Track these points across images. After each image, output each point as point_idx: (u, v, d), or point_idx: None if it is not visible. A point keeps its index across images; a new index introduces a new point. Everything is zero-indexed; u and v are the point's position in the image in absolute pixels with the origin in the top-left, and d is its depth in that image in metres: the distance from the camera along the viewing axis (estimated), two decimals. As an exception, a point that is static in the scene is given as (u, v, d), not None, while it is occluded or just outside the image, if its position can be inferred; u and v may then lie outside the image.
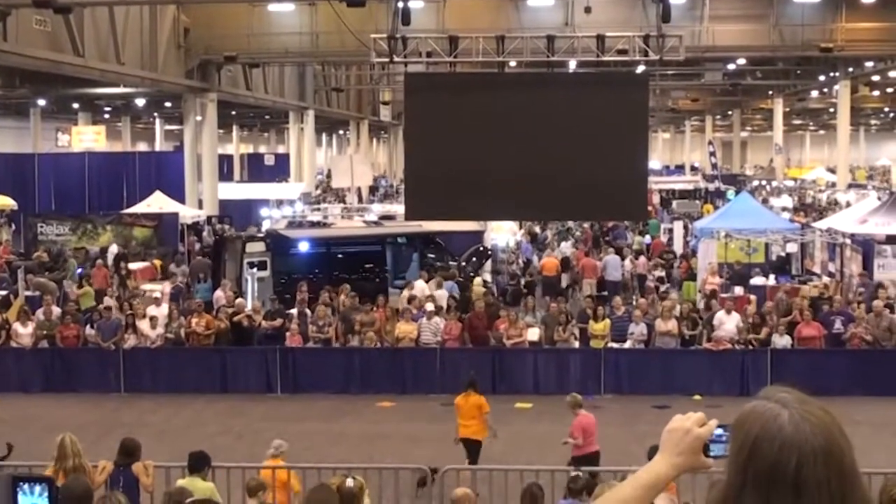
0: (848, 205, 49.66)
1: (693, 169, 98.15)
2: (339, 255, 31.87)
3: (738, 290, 28.54)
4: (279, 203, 52.70)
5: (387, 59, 29.54)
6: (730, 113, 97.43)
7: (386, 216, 41.06)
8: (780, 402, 2.53)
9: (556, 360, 24.72)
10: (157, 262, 36.59)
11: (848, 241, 30.81)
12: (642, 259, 36.01)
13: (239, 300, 26.65)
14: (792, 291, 27.24)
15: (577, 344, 25.02)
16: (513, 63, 34.71)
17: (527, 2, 41.49)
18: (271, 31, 44.46)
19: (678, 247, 39.26)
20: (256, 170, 79.41)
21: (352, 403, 23.29)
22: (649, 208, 43.93)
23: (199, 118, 48.45)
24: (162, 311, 25.87)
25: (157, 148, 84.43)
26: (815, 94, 76.04)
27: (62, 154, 58.30)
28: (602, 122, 26.55)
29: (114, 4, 36.63)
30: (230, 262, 30.58)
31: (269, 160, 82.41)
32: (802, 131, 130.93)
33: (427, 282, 29.35)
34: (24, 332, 25.07)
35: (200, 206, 47.54)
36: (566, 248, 40.32)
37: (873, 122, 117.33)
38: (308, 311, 25.81)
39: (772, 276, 30.67)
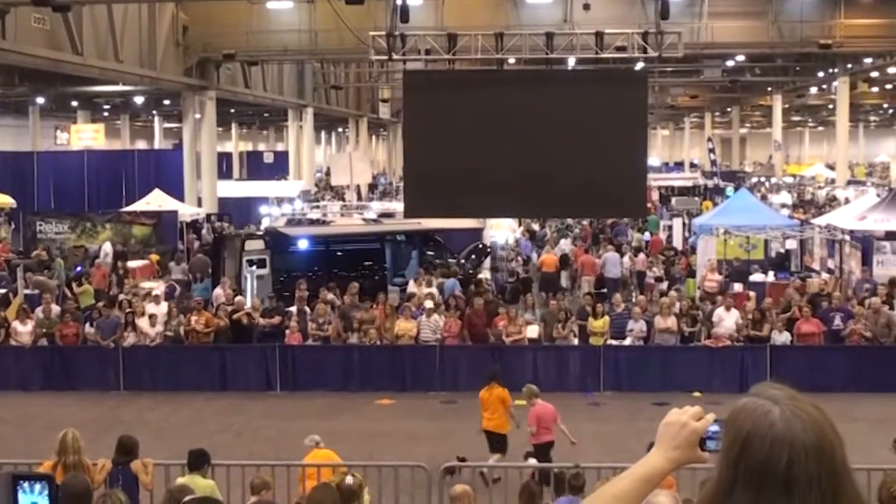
0: (846, 201, 49.71)
1: (692, 166, 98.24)
2: (339, 253, 31.88)
3: (738, 287, 28.54)
4: (279, 201, 52.68)
5: (385, 57, 29.53)
6: (729, 110, 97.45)
7: (385, 214, 41.07)
8: (772, 399, 2.53)
9: (556, 357, 24.72)
10: (155, 258, 36.57)
11: (847, 237, 30.82)
12: (641, 256, 36.01)
13: (238, 298, 26.65)
14: (801, 288, 27.31)
15: (576, 341, 25.02)
16: (512, 60, 34.69)
17: (525, -1, 41.53)
18: (270, 28, 44.46)
19: (678, 244, 39.29)
20: (255, 168, 79.43)
21: (351, 401, 23.30)
22: (648, 205, 43.94)
23: (198, 116, 48.44)
24: (161, 309, 25.86)
25: (156, 146, 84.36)
26: (814, 90, 76.06)
27: (61, 152, 58.29)
28: (601, 120, 26.53)
29: (112, 2, 36.64)
30: (229, 260, 30.59)
31: (268, 158, 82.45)
32: (801, 128, 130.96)
33: (425, 280, 29.32)
34: (23, 331, 25.08)
35: (199, 204, 47.55)
36: (565, 245, 40.33)
37: (872, 118, 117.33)
38: (307, 309, 25.81)
39: (771, 273, 30.67)
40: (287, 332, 25.04)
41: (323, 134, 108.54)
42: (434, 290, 28.28)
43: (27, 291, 29.62)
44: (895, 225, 30.02)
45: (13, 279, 31.19)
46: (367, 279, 29.43)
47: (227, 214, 48.75)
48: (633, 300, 28.57)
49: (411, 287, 28.66)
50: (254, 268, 29.04)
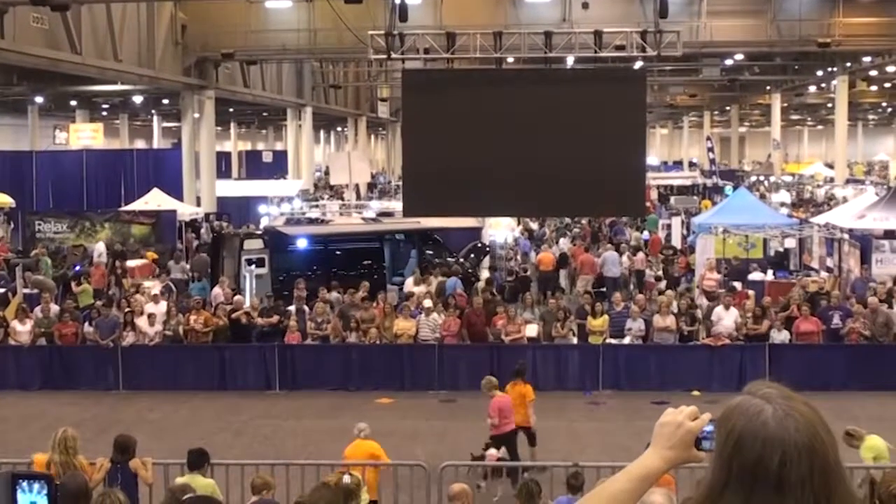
0: (845, 200, 49.71)
1: (691, 165, 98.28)
2: (338, 252, 31.89)
3: (737, 286, 28.54)
4: (277, 200, 52.68)
5: (384, 56, 29.53)
6: (728, 108, 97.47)
7: (384, 213, 41.08)
8: (765, 398, 2.54)
9: (555, 356, 24.71)
10: (151, 256, 36.57)
11: (846, 236, 30.83)
12: (640, 255, 36.01)
13: (237, 297, 26.65)
14: (806, 285, 27.41)
15: (575, 340, 25.03)
16: (510, 59, 34.70)
17: (524, -2, 41.54)
18: (269, 27, 44.48)
19: (676, 243, 39.29)
20: (254, 167, 79.44)
21: (350, 400, 23.29)
22: (647, 204, 43.95)
23: (196, 115, 48.45)
24: (160, 308, 25.86)
25: (155, 145, 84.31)
26: (812, 89, 76.06)
27: (60, 151, 58.24)
28: (600, 118, 26.54)
29: (111, 2, 36.64)
30: (228, 260, 30.60)
31: (267, 157, 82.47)
32: (800, 126, 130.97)
33: (422, 279, 29.34)
34: (22, 330, 25.07)
35: (198, 204, 47.55)
36: (564, 244, 40.35)
37: (871, 117, 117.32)
38: (306, 308, 25.81)
39: (770, 272, 30.68)
40: (286, 331, 25.04)
41: (322, 133, 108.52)
42: (432, 288, 28.28)
43: (26, 291, 29.62)
44: (894, 223, 30.02)
45: (12, 278, 31.18)
46: (366, 278, 29.42)
47: (226, 214, 48.77)
48: (633, 299, 28.57)
49: (409, 286, 28.66)
50: (253, 267, 29.03)
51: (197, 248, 38.89)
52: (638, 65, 33.95)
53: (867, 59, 54.49)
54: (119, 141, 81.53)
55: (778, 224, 33.97)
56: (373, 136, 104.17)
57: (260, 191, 55.83)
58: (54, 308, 26.30)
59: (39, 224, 40.35)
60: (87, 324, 25.57)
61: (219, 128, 67.68)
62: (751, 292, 27.61)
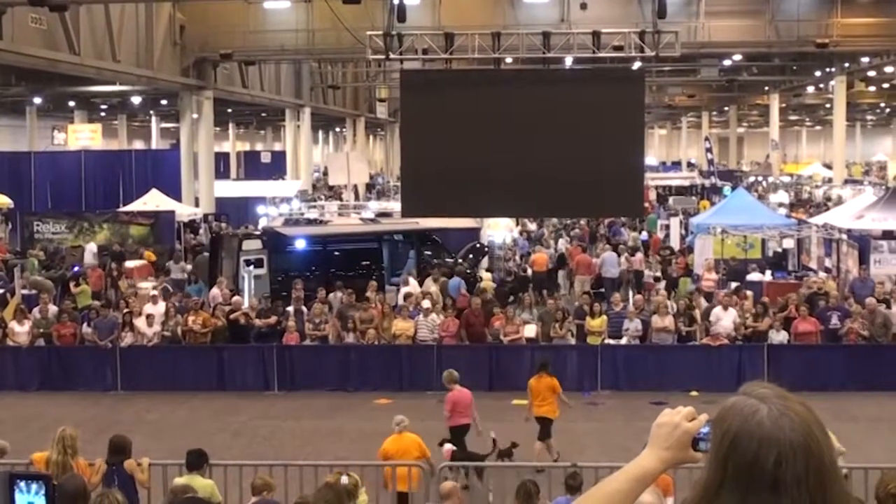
0: (840, 199, 49.72)
1: (689, 165, 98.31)
2: (336, 253, 31.89)
3: (735, 286, 28.54)
4: (276, 201, 52.67)
5: (383, 56, 29.54)
6: (726, 109, 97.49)
7: (383, 213, 41.08)
8: (760, 398, 2.54)
9: (553, 356, 24.66)
10: (150, 256, 36.56)
11: (844, 236, 30.84)
12: (639, 255, 36.00)
13: (236, 298, 26.64)
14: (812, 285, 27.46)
15: (573, 340, 25.02)
16: (509, 60, 34.70)
17: (522, -2, 41.54)
18: (267, 28, 44.48)
19: (675, 243, 39.28)
20: (253, 167, 79.44)
21: (349, 401, 23.30)
22: (646, 205, 43.96)
23: (195, 116, 48.44)
24: (159, 309, 25.85)
25: (154, 146, 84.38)
26: (811, 89, 76.07)
27: (58, 152, 58.22)
28: (598, 119, 26.55)
29: (110, 2, 36.63)
30: (227, 260, 30.59)
31: (266, 158, 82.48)
32: (798, 127, 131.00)
33: (421, 279, 29.36)
34: (20, 331, 25.06)
35: (197, 204, 47.55)
36: (562, 244, 40.33)
37: (869, 117, 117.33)
38: (304, 309, 25.80)
39: (768, 272, 30.69)
40: (285, 332, 25.03)
41: (320, 134, 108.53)
42: (436, 288, 28.28)
43: (24, 291, 29.62)
44: (892, 224, 30.03)
45: (10, 279, 31.18)
46: (364, 279, 29.41)
47: (225, 214, 48.78)
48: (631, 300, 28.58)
49: (407, 286, 28.60)
50: (251, 268, 29.03)
51: (193, 249, 38.85)
52: (636, 65, 33.97)
53: (865, 59, 54.49)
54: (117, 141, 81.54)
55: (776, 224, 33.99)
56: (371, 137, 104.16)
57: (258, 191, 55.84)
58: (52, 309, 26.28)
59: (38, 225, 40.37)
60: (85, 324, 25.56)
61: (217, 128, 67.65)
62: (749, 293, 27.60)
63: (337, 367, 24.63)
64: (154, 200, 42.74)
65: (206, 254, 35.06)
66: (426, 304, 25.91)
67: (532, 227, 45.93)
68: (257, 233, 33.97)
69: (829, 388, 22.15)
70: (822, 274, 30.50)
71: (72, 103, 65.64)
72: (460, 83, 29.01)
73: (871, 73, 61.57)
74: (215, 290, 27.94)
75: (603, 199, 27.62)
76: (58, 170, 49.77)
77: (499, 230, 40.72)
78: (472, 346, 24.93)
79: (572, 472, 12.72)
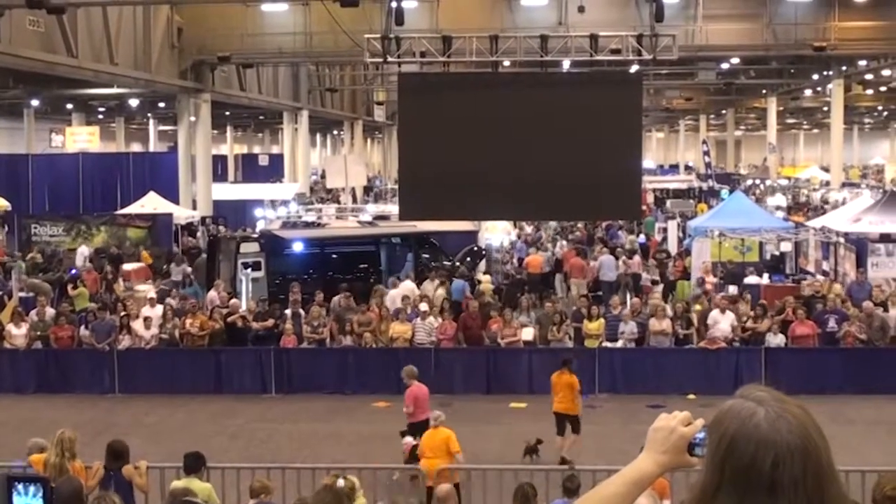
0: (835, 203, 49.74)
1: (687, 168, 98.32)
2: (334, 256, 31.89)
3: (732, 289, 28.55)
4: (274, 204, 52.64)
5: (380, 59, 29.58)
6: (724, 112, 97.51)
7: (380, 216, 41.08)
8: (757, 401, 2.55)
9: (551, 359, 24.63)
10: (146, 256, 36.54)
11: (842, 239, 30.85)
12: (636, 258, 36.00)
13: (233, 301, 26.64)
14: (819, 288, 27.49)
15: (571, 343, 25.03)
16: (506, 63, 34.75)
17: (520, 1, 41.51)
18: (265, 31, 44.45)
19: (672, 246, 39.27)
20: (250, 170, 79.41)
21: (346, 404, 23.29)
22: (643, 207, 43.96)
23: (192, 118, 48.42)
24: (156, 311, 25.85)
25: (151, 148, 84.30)
26: (808, 92, 76.12)
27: (56, 155, 58.25)
28: (596, 122, 26.57)
29: (107, 5, 36.61)
30: (224, 263, 30.59)
31: (264, 161, 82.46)
32: (796, 130, 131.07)
33: (419, 282, 29.36)
34: (17, 333, 25.05)
35: (194, 207, 47.52)
36: (561, 247, 40.30)
37: (867, 120, 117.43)
38: (302, 312, 25.80)
39: (766, 275, 30.70)
40: (282, 334, 25.03)
41: (318, 136, 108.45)
42: (443, 291, 28.30)
43: (22, 294, 29.60)
44: (890, 227, 30.05)
45: (7, 281, 31.15)
46: (362, 282, 29.42)
47: (223, 217, 48.75)
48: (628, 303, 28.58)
49: (403, 290, 28.55)
50: (249, 270, 29.02)
51: (188, 251, 38.83)
52: (634, 68, 33.97)
53: (863, 62, 54.51)
54: (115, 144, 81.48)
55: (774, 227, 34.00)
56: (369, 140, 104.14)
57: (256, 194, 55.83)
58: (50, 311, 26.27)
59: (35, 227, 40.38)
60: (83, 327, 25.55)
61: (215, 131, 67.66)
62: (747, 296, 27.61)
63: (335, 370, 24.63)
64: (152, 203, 42.75)
65: (204, 256, 35.10)
66: (423, 307, 25.91)
67: (528, 229, 45.89)
68: (255, 236, 33.96)
69: (826, 391, 22.17)
70: (819, 277, 30.50)
71: (69, 106, 65.60)
72: (458, 86, 29.02)
73: (869, 77, 61.60)
74: (213, 293, 27.95)
75: (600, 203, 27.63)
76: (55, 172, 49.79)
77: (496, 233, 40.73)
78: (470, 349, 24.93)
79: (569, 475, 12.74)
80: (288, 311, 25.91)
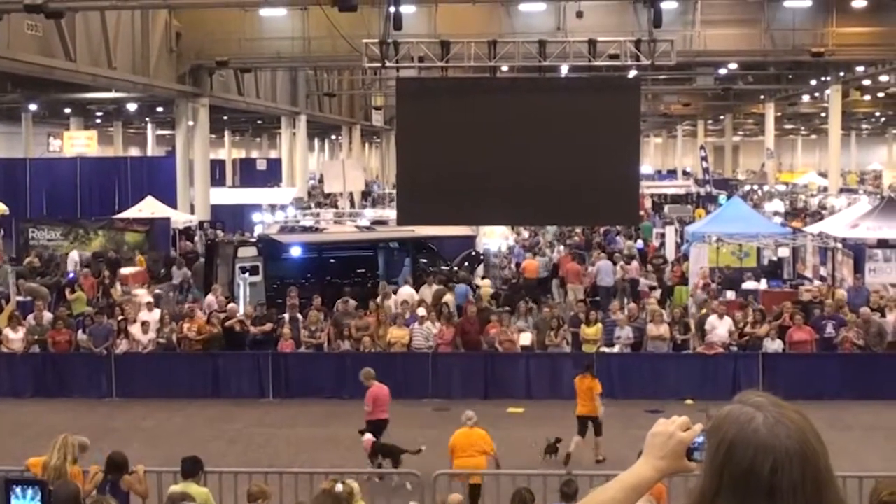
0: (833, 208, 49.75)
1: (685, 173, 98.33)
2: (332, 260, 31.88)
3: (730, 295, 28.57)
4: (272, 208, 52.64)
5: (379, 64, 29.58)
6: (721, 117, 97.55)
7: (378, 221, 41.10)
8: (756, 406, 2.56)
9: (549, 364, 24.72)
10: (141, 260, 36.53)
11: (839, 245, 30.87)
12: (634, 264, 36.00)
13: (231, 305, 26.64)
14: (826, 293, 27.54)
15: (568, 348, 25.03)
16: (505, 68, 34.69)
17: (518, 7, 41.51)
18: (263, 35, 44.45)
19: (670, 251, 39.26)
20: (248, 175, 79.46)
21: (344, 408, 23.22)
22: (641, 213, 43.96)
23: (190, 123, 48.43)
24: (154, 316, 25.85)
25: (149, 153, 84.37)
26: (806, 98, 76.15)
27: (54, 159, 58.31)
28: (594, 127, 26.57)
29: (105, 9, 36.60)
30: (222, 267, 30.59)
31: (261, 165, 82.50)
32: (794, 136, 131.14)
33: (416, 287, 29.39)
34: (14, 338, 25.03)
35: (192, 211, 47.52)
36: (559, 252, 40.30)
37: (864, 126, 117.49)
38: (300, 316, 25.80)
39: (763, 281, 30.71)
40: (280, 339, 25.02)
41: (316, 141, 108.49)
42: (451, 297, 28.39)
43: (19, 298, 29.58)
44: (887, 233, 30.09)
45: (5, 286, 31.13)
46: (359, 286, 29.43)
47: (220, 221, 48.77)
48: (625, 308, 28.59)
49: (407, 293, 28.56)
50: (246, 275, 29.02)
51: (185, 255, 38.81)
52: (632, 74, 34.04)
53: (860, 68, 54.58)
54: (113, 148, 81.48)
55: (771, 233, 34.01)
56: (367, 145, 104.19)
57: (254, 199, 55.83)
58: (47, 315, 26.26)
59: (33, 231, 40.36)
60: (80, 331, 25.54)
61: (213, 135, 67.73)
62: (753, 302, 27.62)
63: (332, 375, 24.62)
64: (150, 207, 42.76)
65: (202, 260, 35.11)
66: (421, 311, 25.92)
67: (525, 234, 45.84)
68: (253, 240, 33.95)
69: (824, 396, 22.18)
70: (817, 282, 30.52)
71: (67, 110, 65.62)
72: (456, 91, 29.03)
73: (867, 83, 61.68)
74: (210, 298, 27.95)
75: (598, 208, 27.64)
76: (53, 176, 49.82)
77: (494, 238, 40.74)
78: (468, 353, 24.94)
79: (567, 480, 12.73)
80: (286, 316, 25.91)
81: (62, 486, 10.31)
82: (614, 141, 26.68)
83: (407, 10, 33.47)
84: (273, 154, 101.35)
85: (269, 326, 25.38)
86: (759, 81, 68.86)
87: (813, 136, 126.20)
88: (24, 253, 38.63)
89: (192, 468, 12.65)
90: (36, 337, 25.29)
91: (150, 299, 27.87)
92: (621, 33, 32.39)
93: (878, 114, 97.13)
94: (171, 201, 44.88)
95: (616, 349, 24.52)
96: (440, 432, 21.14)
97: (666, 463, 2.79)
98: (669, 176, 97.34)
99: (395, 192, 43.89)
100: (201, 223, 46.45)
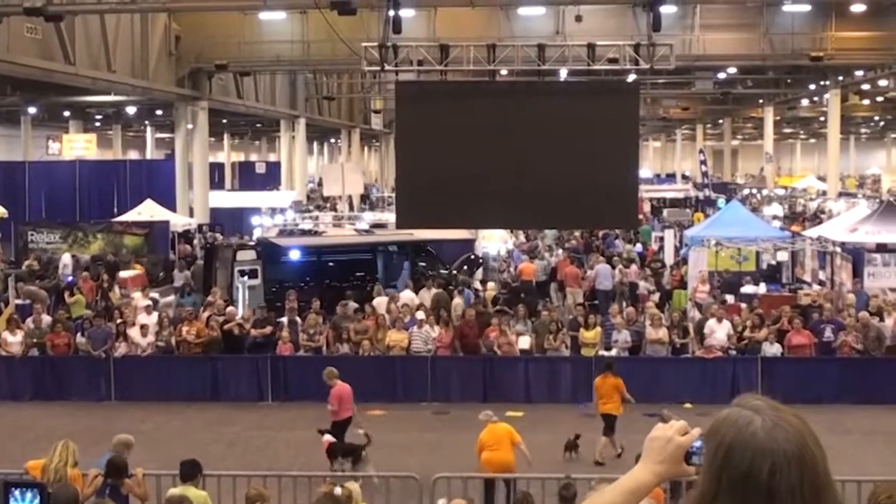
0: (831, 213, 49.74)
1: (684, 177, 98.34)
2: (331, 264, 31.89)
3: (729, 299, 28.56)
4: (271, 211, 52.63)
5: (378, 68, 29.54)
6: (720, 121, 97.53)
7: (377, 224, 41.10)
8: (754, 409, 2.57)
9: (547, 368, 24.73)
10: (137, 268, 36.51)
11: (838, 249, 30.88)
12: (633, 267, 36.01)
13: (230, 308, 26.64)
14: (826, 296, 27.52)
15: (567, 352, 25.03)
16: (504, 72, 34.71)
17: (518, 11, 41.53)
18: (262, 39, 44.47)
19: (669, 255, 39.25)
20: (247, 178, 79.40)
21: (343, 411, 23.23)
22: (640, 216, 43.95)
23: (190, 126, 48.43)
24: (153, 319, 25.85)
25: (148, 156, 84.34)
26: (805, 102, 76.13)
27: (53, 162, 58.26)
28: (593, 131, 26.56)
29: (105, 13, 36.61)
30: (221, 271, 30.58)
31: (261, 168, 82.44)
32: (793, 140, 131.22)
33: (416, 290, 29.42)
34: (13, 341, 25.02)
35: (191, 215, 47.53)
36: (554, 257, 40.28)
37: (863, 130, 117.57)
38: (298, 319, 25.80)
39: (762, 285, 30.71)
40: (279, 342, 25.02)
41: (315, 144, 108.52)
42: (460, 300, 28.48)
43: (18, 301, 29.56)
44: (886, 237, 30.09)
45: (4, 289, 31.12)
46: (358, 290, 29.44)
47: (219, 225, 48.75)
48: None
49: (407, 296, 28.56)
50: (245, 278, 29.01)
51: (185, 259, 38.80)
52: (631, 78, 33.97)
53: (859, 72, 54.59)
54: (112, 151, 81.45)
55: (770, 237, 34.02)
56: (366, 148, 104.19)
57: (253, 202, 55.84)
58: (46, 319, 26.26)
59: (32, 234, 40.35)
60: (79, 334, 25.54)
61: (212, 139, 67.66)
62: (743, 305, 27.63)
63: (331, 378, 24.58)
64: (148, 210, 42.74)
65: (202, 263, 35.11)
66: (420, 315, 25.92)
67: (522, 237, 45.80)
68: (252, 243, 33.95)
69: (822, 400, 22.18)
70: (816, 287, 30.53)
71: (66, 113, 65.58)
72: (455, 95, 29.03)
73: (866, 87, 61.66)
74: (210, 300, 27.95)
75: (597, 211, 27.62)
76: (52, 179, 49.82)
77: (493, 241, 40.74)
78: (466, 357, 24.94)
79: (566, 484, 12.73)
80: (284, 319, 25.91)
81: (61, 488, 10.33)
82: (613, 144, 26.67)
83: (406, 13, 33.48)
84: (272, 157, 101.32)
85: (269, 329, 25.38)
86: (758, 85, 68.88)
87: (812, 141, 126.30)
88: (23, 256, 38.61)
89: (190, 471, 12.66)
90: (35, 340, 25.28)
91: (149, 302, 27.87)
92: (620, 37, 32.37)
93: (876, 118, 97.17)
94: (170, 204, 44.86)
95: (613, 352, 24.51)
96: (439, 436, 21.22)
97: (664, 467, 2.80)
98: (668, 180, 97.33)
99: (393, 195, 43.89)
100: (200, 226, 46.44)
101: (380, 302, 27.66)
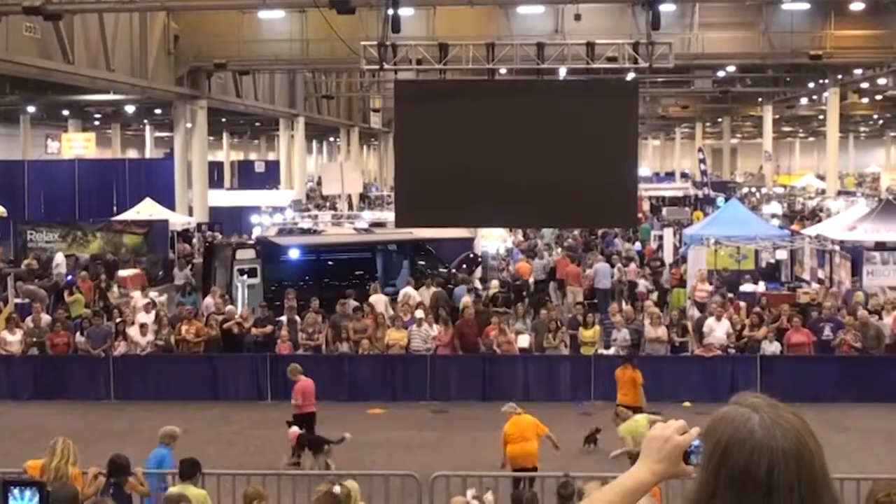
0: (829, 211, 49.76)
1: (683, 176, 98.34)
2: (330, 263, 31.89)
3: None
4: (270, 210, 52.63)
5: (377, 67, 29.54)
6: (720, 120, 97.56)
7: (376, 223, 41.10)
8: (752, 407, 2.57)
9: (547, 366, 24.73)
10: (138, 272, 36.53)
11: (837, 247, 30.90)
12: (632, 266, 36.01)
13: (229, 307, 26.64)
14: (829, 293, 27.55)
15: (566, 351, 25.03)
16: (503, 70, 34.70)
17: (517, 9, 41.53)
18: (261, 38, 44.47)
19: (668, 254, 39.26)
20: (246, 177, 79.44)
21: (342, 410, 23.23)
22: (639, 215, 43.94)
23: (189, 125, 48.43)
24: (152, 318, 25.84)
25: (147, 155, 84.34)
26: (804, 101, 76.15)
27: (52, 161, 58.23)
28: (592, 130, 26.56)
29: (104, 11, 36.61)
30: (220, 270, 30.58)
31: (260, 167, 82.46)
32: (792, 138, 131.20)
33: (416, 288, 29.43)
34: (12, 340, 25.01)
35: (190, 214, 47.53)
36: (553, 256, 40.28)
37: (862, 129, 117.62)
38: (297, 318, 25.79)
39: (761, 283, 30.72)
40: (278, 341, 25.01)
41: (314, 143, 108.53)
42: (468, 298, 28.51)
43: (17, 300, 29.56)
44: (885, 235, 30.11)
45: (3, 288, 31.11)
46: (357, 289, 29.43)
47: (218, 224, 48.74)
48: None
49: (402, 297, 28.62)
50: (245, 277, 29.01)
51: (184, 258, 38.80)
52: (630, 76, 33.99)
53: (858, 71, 54.63)
54: (111, 150, 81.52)
55: (769, 235, 34.02)
56: (365, 147, 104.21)
57: (252, 201, 55.82)
58: (45, 318, 26.25)
59: (31, 233, 40.36)
60: (78, 333, 25.54)
61: (211, 138, 67.63)
62: (742, 304, 27.63)
63: (330, 377, 24.57)
64: (148, 209, 42.75)
65: (201, 262, 35.10)
66: (419, 313, 25.93)
67: (520, 237, 45.78)
68: (251, 242, 33.95)
69: (821, 398, 22.19)
70: (815, 285, 30.53)
71: (65, 112, 65.60)
72: (454, 94, 29.03)
73: (865, 85, 61.73)
74: (209, 300, 27.96)
75: (597, 210, 27.61)
76: (51, 178, 49.81)
77: (492, 240, 40.73)
78: (466, 356, 24.94)
79: (564, 482, 12.73)
80: (283, 318, 25.91)
81: (61, 487, 10.33)
82: (612, 143, 26.66)
83: (405, 12, 33.48)
84: (271, 156, 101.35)
85: (269, 328, 25.39)
86: (757, 84, 68.92)
87: (811, 139, 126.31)
88: (22, 255, 38.60)
89: (189, 470, 12.67)
90: (34, 339, 25.27)
91: (148, 301, 27.87)
92: (619, 36, 32.40)
93: (875, 116, 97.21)
94: (169, 203, 44.87)
95: (612, 351, 24.53)
96: (438, 434, 21.23)
97: (663, 467, 2.80)
98: (667, 178, 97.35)
99: (392, 194, 43.88)
100: (199, 225, 46.44)
101: (377, 300, 27.68)
